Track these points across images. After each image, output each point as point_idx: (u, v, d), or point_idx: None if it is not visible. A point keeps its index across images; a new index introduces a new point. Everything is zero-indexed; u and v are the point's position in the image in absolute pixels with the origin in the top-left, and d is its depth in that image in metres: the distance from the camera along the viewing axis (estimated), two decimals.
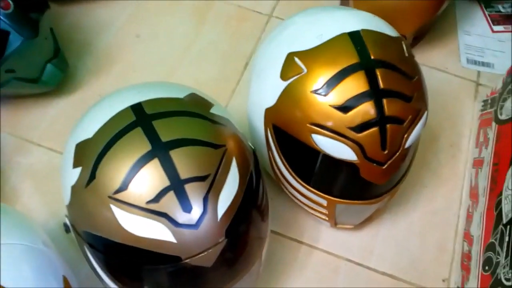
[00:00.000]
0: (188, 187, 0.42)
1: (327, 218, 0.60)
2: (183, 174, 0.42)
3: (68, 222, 0.49)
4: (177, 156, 0.43)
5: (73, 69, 0.73)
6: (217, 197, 0.44)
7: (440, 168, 0.70)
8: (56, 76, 0.68)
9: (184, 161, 0.43)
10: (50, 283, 0.43)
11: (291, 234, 0.64)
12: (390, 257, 0.63)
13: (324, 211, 0.58)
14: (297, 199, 0.60)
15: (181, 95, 0.48)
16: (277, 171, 0.58)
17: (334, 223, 0.61)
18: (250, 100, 0.58)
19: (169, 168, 0.42)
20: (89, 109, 0.50)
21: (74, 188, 0.45)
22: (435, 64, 0.80)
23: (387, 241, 0.64)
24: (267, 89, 0.53)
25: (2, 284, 0.39)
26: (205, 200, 0.43)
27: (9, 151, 0.67)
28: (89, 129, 0.46)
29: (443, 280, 0.62)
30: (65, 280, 0.45)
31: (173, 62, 0.78)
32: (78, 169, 0.45)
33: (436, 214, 0.66)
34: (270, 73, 0.52)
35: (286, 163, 0.55)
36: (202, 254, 0.44)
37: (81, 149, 0.45)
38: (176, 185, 0.42)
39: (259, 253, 0.52)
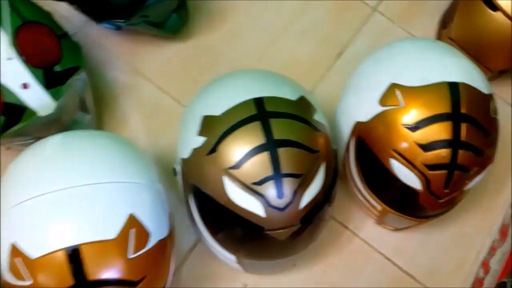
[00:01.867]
0: (285, 180, 0.53)
1: (376, 218, 0.70)
2: (284, 169, 0.53)
3: (177, 169, 0.61)
4: (283, 154, 0.53)
5: (191, 20, 0.82)
6: (303, 192, 0.54)
7: (484, 198, 0.78)
8: (177, 24, 0.77)
9: (287, 159, 0.53)
10: (163, 220, 0.55)
11: (339, 218, 0.75)
12: (415, 260, 0.74)
13: (376, 213, 0.68)
14: (356, 195, 0.70)
15: (294, 96, 0.57)
16: (347, 170, 0.68)
17: (380, 223, 0.72)
18: (343, 107, 0.66)
19: (275, 162, 0.53)
20: (217, 85, 0.60)
21: (196, 151, 0.56)
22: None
23: (417, 246, 0.75)
24: (363, 106, 0.61)
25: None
26: (294, 193, 0.54)
27: (124, 80, 0.78)
28: (217, 107, 0.56)
29: None
30: (171, 217, 0.57)
31: (276, 33, 0.85)
32: (203, 138, 0.55)
33: (465, 236, 0.76)
34: (370, 95, 0.61)
35: (359, 169, 0.65)
36: (279, 231, 0.55)
37: (208, 122, 0.56)
38: (277, 177, 0.53)
39: (318, 234, 0.63)
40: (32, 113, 0.59)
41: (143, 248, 0.51)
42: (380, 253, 0.74)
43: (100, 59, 0.78)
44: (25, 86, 0.57)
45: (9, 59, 0.55)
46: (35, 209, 0.48)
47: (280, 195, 0.53)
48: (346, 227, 0.75)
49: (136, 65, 0.79)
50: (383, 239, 0.75)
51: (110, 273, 0.48)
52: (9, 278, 0.49)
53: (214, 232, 0.60)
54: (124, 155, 0.56)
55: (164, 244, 0.54)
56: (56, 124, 0.64)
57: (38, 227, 0.48)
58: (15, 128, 0.60)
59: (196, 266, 0.70)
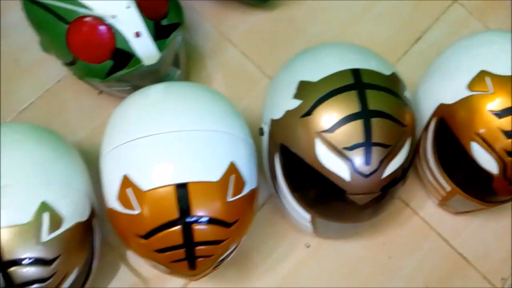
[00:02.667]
0: (374, 149, 0.56)
1: (440, 198, 0.73)
2: (375, 138, 0.56)
3: (265, 129, 0.65)
4: (375, 124, 0.56)
5: None
6: (389, 163, 0.58)
7: None
8: None
9: (378, 129, 0.56)
10: (254, 172, 0.59)
11: (402, 195, 0.78)
12: (471, 244, 0.77)
13: (443, 193, 0.71)
14: (425, 174, 0.73)
15: (387, 71, 0.60)
16: (421, 149, 0.71)
17: (442, 204, 0.75)
18: (425, 89, 0.69)
19: (367, 131, 0.56)
20: (313, 53, 0.63)
21: (289, 112, 0.59)
22: None
23: (473, 231, 0.77)
24: (449, 89, 0.64)
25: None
26: (380, 162, 0.57)
27: (210, 42, 0.82)
28: (314, 73, 0.59)
29: (502, 278, 0.77)
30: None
31: (356, 13, 0.87)
32: (298, 101, 0.59)
33: None
34: (458, 79, 0.63)
35: (435, 149, 0.68)
36: (360, 196, 0.59)
37: (305, 87, 0.59)
38: (367, 144, 0.56)
39: (386, 208, 0.66)
40: (138, 61, 0.63)
41: (239, 194, 0.55)
42: (438, 233, 0.77)
43: (192, 21, 0.82)
44: (137, 34, 0.61)
45: (128, 7, 0.59)
46: (149, 146, 0.53)
47: (367, 161, 0.56)
48: (407, 205, 0.78)
49: (223, 29, 0.83)
50: (442, 220, 0.78)
51: (211, 212, 0.53)
52: (116, 206, 0.54)
53: (295, 189, 0.64)
54: (225, 108, 0.60)
55: (254, 194, 0.59)
56: (153, 75, 0.69)
57: (151, 162, 0.53)
58: (120, 73, 0.64)
59: (262, 224, 0.74)
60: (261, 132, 0.66)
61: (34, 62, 0.78)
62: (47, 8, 0.60)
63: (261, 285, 0.72)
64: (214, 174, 0.53)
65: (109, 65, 0.63)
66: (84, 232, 0.57)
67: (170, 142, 0.53)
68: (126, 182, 0.52)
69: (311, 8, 0.86)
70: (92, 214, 0.59)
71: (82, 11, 0.59)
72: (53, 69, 0.77)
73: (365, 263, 0.75)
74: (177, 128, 0.54)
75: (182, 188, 0.51)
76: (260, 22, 0.84)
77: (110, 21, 0.59)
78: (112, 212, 0.55)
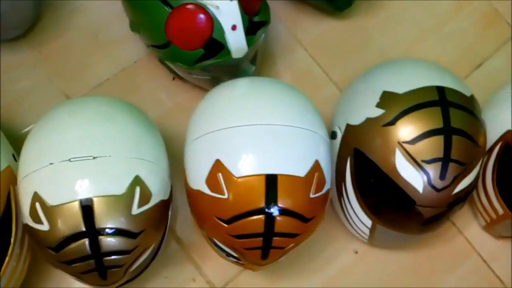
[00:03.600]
0: (451, 165, 0.59)
1: (488, 221, 0.76)
2: (453, 155, 0.59)
3: (338, 132, 0.67)
4: (455, 141, 0.59)
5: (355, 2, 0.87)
6: (461, 180, 0.60)
7: None
8: (347, 3, 0.83)
9: (458, 147, 0.59)
10: (330, 172, 0.61)
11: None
12: (509, 268, 0.79)
13: (493, 216, 0.74)
14: (479, 195, 0.75)
15: (467, 93, 0.63)
16: (481, 171, 0.73)
17: (488, 228, 0.77)
18: (491, 115, 0.70)
19: (447, 147, 0.59)
20: (397, 66, 0.66)
21: (370, 120, 0.62)
22: None
23: None
24: None
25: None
26: (454, 178, 0.59)
27: (281, 42, 0.84)
28: (398, 85, 0.62)
29: None
30: None
31: (424, 31, 0.89)
32: (381, 110, 0.61)
33: None
34: None
35: (495, 172, 0.70)
36: (428, 208, 0.62)
37: (389, 97, 0.62)
38: (445, 160, 0.59)
39: (442, 225, 0.69)
40: (227, 53, 0.66)
41: (320, 191, 0.57)
42: (479, 254, 0.79)
43: None
44: (233, 27, 0.63)
45: (232, 0, 0.62)
46: (243, 135, 0.55)
47: (442, 176, 0.59)
48: (454, 224, 0.80)
49: (295, 31, 0.85)
50: (484, 242, 0.80)
51: (295, 206, 0.55)
52: (203, 188, 0.56)
53: (363, 195, 0.66)
54: (309, 106, 0.62)
55: (329, 194, 0.61)
56: (233, 68, 0.71)
57: (244, 151, 0.55)
58: (208, 62, 0.66)
59: None
60: (333, 135, 0.68)
61: (112, 41, 0.80)
62: None
63: (308, 285, 0.74)
64: (301, 169, 0.55)
65: (199, 53, 0.65)
66: (165, 210, 0.60)
67: (263, 134, 0.55)
68: (218, 167, 0.55)
69: (383, 21, 0.88)
70: (171, 193, 0.61)
71: None
72: (130, 49, 0.80)
73: (407, 275, 0.77)
74: (268, 121, 0.56)
75: (271, 179, 0.54)
76: (331, 29, 0.86)
77: (213, 11, 0.62)
78: (197, 194, 0.57)
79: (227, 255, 0.62)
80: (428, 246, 0.78)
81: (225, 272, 0.72)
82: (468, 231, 0.80)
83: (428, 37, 0.89)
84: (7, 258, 0.57)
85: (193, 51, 0.65)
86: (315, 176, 0.56)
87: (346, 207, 0.69)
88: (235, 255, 0.60)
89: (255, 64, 0.75)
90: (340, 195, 0.69)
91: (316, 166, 0.57)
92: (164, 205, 0.59)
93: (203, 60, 0.66)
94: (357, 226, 0.70)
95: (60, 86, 0.77)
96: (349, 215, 0.69)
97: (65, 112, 0.58)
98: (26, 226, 0.54)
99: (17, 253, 0.59)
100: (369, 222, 0.68)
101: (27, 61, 0.77)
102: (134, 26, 0.70)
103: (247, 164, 0.54)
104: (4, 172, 0.57)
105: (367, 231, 0.70)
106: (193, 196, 0.58)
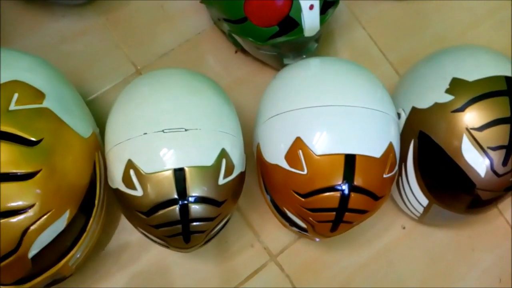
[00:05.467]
0: None
1: None
2: None
3: (402, 114, 0.69)
4: None
5: None
6: None
7: None
8: None
9: None
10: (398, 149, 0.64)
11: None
12: None
13: None
14: None
15: None
16: None
17: None
18: None
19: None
20: (466, 52, 0.68)
21: (438, 105, 0.64)
22: None
23: None
24: None
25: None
26: None
27: (341, 21, 0.86)
28: (468, 73, 0.64)
29: None
30: None
31: (479, 17, 0.90)
32: (450, 96, 0.64)
33: None
34: None
35: None
36: (486, 192, 0.65)
37: (459, 84, 0.64)
38: (510, 147, 0.61)
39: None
40: (300, 31, 0.67)
41: (391, 172, 0.60)
42: None
43: None
44: (311, 7, 0.65)
45: None
46: (322, 115, 0.58)
47: (505, 163, 0.62)
48: (496, 206, 0.84)
49: (354, 9, 0.86)
50: None
51: (369, 185, 0.58)
52: (282, 163, 0.59)
53: (424, 175, 0.69)
54: (381, 88, 0.64)
55: (396, 173, 0.64)
56: (301, 45, 0.73)
57: (324, 130, 0.58)
58: (281, 39, 0.68)
59: None
60: (397, 116, 0.70)
61: (178, 11, 0.81)
62: None
63: (358, 256, 0.78)
64: (378, 151, 0.58)
65: (273, 31, 0.67)
66: (242, 181, 0.63)
67: (342, 115, 0.58)
68: (299, 144, 0.58)
69: (440, 5, 0.89)
70: (245, 166, 0.64)
71: None
72: (194, 21, 0.81)
73: (450, 252, 0.81)
74: (346, 103, 0.59)
75: (350, 159, 0.56)
76: (390, 9, 0.87)
77: None
78: (275, 167, 0.60)
79: (291, 224, 0.66)
80: (470, 226, 0.82)
81: (281, 239, 0.76)
82: (508, 212, 0.84)
83: (482, 23, 0.90)
84: (91, 219, 0.61)
85: (267, 27, 0.67)
86: (389, 157, 0.59)
87: (403, 185, 0.72)
88: (304, 226, 0.63)
89: (318, 42, 0.77)
90: (398, 174, 0.72)
91: (390, 148, 0.59)
92: (242, 177, 0.62)
93: (275, 37, 0.68)
94: (411, 204, 0.73)
95: (127, 53, 0.79)
96: (405, 193, 0.73)
97: (153, 84, 0.60)
98: (116, 191, 0.57)
99: (98, 214, 0.62)
100: (425, 201, 0.71)
101: (95, 27, 0.79)
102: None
103: (327, 143, 0.57)
104: (91, 138, 0.60)
105: (421, 209, 0.73)
106: (269, 169, 0.61)
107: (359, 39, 0.86)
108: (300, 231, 0.66)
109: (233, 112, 0.63)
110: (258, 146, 0.64)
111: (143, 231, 0.60)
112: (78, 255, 0.62)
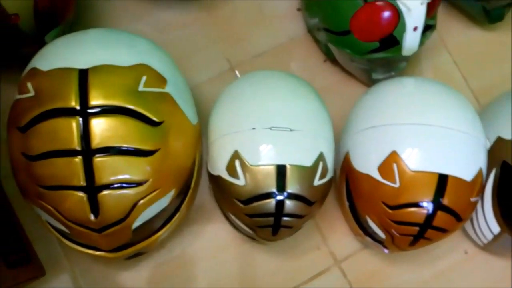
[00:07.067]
0: None
1: None
2: None
3: (487, 145, 0.71)
4: None
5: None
6: None
7: None
8: (499, 17, 0.85)
9: None
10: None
11: None
12: None
13: None
14: None
15: None
16: None
17: None
18: None
19: None
20: None
21: None
22: None
23: None
24: None
25: None
26: None
27: (428, 44, 0.86)
28: None
29: None
30: None
31: None
32: None
33: None
34: None
35: None
36: None
37: None
38: None
39: None
40: (399, 49, 0.70)
41: (477, 196, 0.63)
42: None
43: None
44: (415, 28, 0.67)
45: (422, 4, 0.66)
46: (420, 133, 0.61)
47: None
48: None
49: (442, 34, 0.88)
50: None
51: (457, 206, 0.60)
52: (373, 174, 0.62)
53: (501, 204, 0.70)
54: (474, 112, 0.66)
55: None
56: (394, 63, 0.76)
57: (420, 148, 0.60)
58: (378, 55, 0.71)
59: None
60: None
61: (275, 15, 0.85)
62: None
63: (418, 274, 0.80)
64: (469, 174, 0.60)
65: (374, 46, 0.70)
66: (330, 186, 0.66)
67: (438, 135, 0.60)
68: (394, 157, 0.60)
69: None
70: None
71: None
72: (288, 26, 0.85)
73: (509, 281, 0.82)
74: (444, 124, 0.61)
75: (443, 178, 0.59)
76: (477, 37, 0.89)
77: (403, 11, 0.66)
78: (365, 177, 0.63)
79: (365, 233, 0.69)
80: None
81: (347, 246, 0.79)
82: None
83: None
84: (185, 200, 0.65)
85: (369, 42, 0.70)
86: (478, 182, 0.61)
87: (476, 211, 0.74)
88: (382, 236, 0.66)
89: (407, 61, 0.80)
90: None
91: (480, 173, 0.62)
92: (331, 182, 0.65)
93: (374, 52, 0.71)
94: (481, 230, 0.75)
95: (223, 49, 0.83)
96: (477, 219, 0.74)
97: (258, 84, 0.64)
98: (218, 177, 0.61)
99: (190, 197, 0.66)
100: (497, 230, 0.72)
101: (197, 21, 0.83)
102: (310, 8, 0.75)
103: (422, 161, 0.60)
104: (197, 126, 0.64)
105: (490, 237, 0.74)
106: (358, 178, 0.64)
107: (443, 63, 0.88)
108: (373, 240, 0.69)
109: (330, 119, 0.66)
110: (347, 154, 0.67)
111: (233, 218, 0.63)
112: (166, 234, 0.66)
